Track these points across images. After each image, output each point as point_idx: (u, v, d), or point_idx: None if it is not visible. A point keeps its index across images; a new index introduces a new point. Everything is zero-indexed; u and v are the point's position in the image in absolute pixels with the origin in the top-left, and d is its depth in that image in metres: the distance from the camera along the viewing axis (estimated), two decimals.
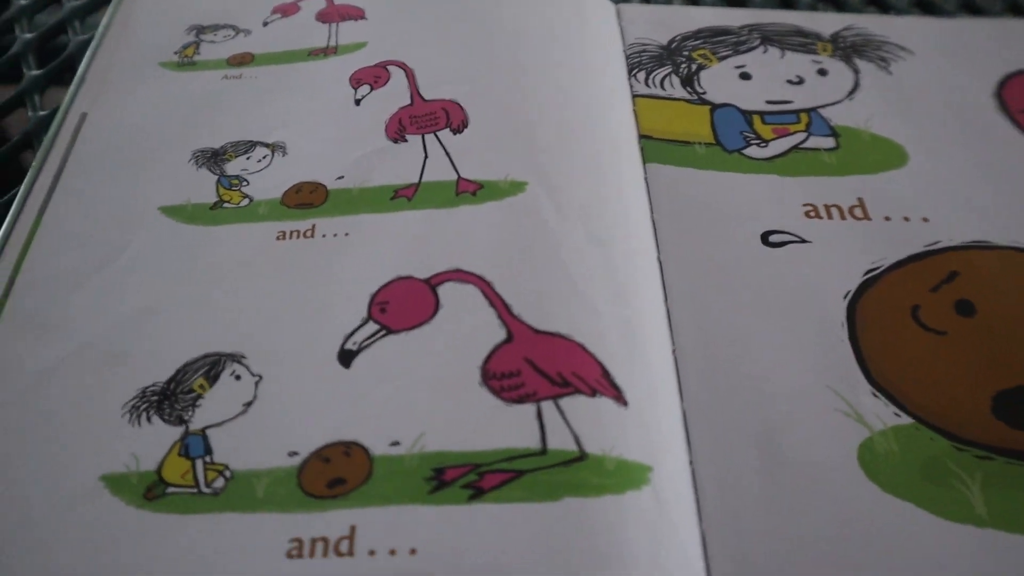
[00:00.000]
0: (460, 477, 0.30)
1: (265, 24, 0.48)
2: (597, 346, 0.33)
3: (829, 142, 0.43)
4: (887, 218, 0.40)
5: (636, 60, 0.46)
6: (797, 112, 0.44)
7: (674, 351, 0.35)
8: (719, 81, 0.46)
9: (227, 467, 0.30)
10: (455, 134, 0.40)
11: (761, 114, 0.44)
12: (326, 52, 0.45)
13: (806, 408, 0.33)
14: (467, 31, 0.45)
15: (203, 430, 0.32)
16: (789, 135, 0.43)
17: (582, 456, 0.30)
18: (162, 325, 0.35)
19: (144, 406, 0.32)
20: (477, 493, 0.29)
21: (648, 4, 0.51)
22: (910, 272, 0.38)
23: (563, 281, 0.34)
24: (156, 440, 0.31)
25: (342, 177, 0.39)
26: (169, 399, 0.32)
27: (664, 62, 0.46)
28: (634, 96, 0.44)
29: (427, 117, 0.40)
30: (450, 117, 0.40)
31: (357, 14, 0.47)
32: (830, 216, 0.40)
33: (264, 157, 0.40)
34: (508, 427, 0.31)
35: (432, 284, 0.34)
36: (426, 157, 0.39)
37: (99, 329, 0.35)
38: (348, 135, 0.41)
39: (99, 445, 0.31)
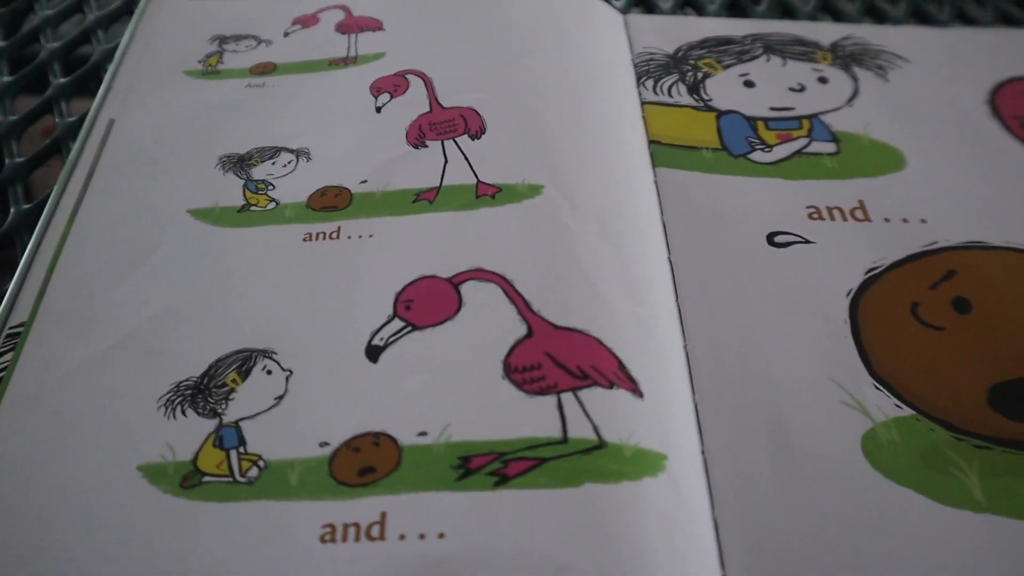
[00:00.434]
0: (486, 465, 0.31)
1: (286, 35, 0.49)
2: (614, 341, 0.34)
3: (830, 147, 0.45)
4: (887, 219, 0.41)
5: (644, 68, 0.48)
6: (799, 118, 0.46)
7: (685, 346, 0.36)
8: (724, 89, 0.47)
9: (261, 457, 0.32)
10: (473, 140, 0.41)
11: (765, 120, 0.46)
12: (346, 62, 0.47)
13: (812, 400, 0.35)
14: (482, 41, 0.47)
15: (236, 422, 0.33)
16: (792, 140, 0.45)
17: (601, 444, 0.31)
18: (193, 322, 0.36)
19: (178, 400, 0.34)
20: (502, 480, 0.31)
21: (654, 15, 0.52)
22: (909, 271, 0.40)
23: (580, 279, 0.36)
24: (190, 432, 0.33)
25: (365, 181, 0.40)
26: (203, 393, 0.34)
27: (671, 70, 0.48)
28: (643, 103, 0.46)
29: (446, 124, 0.42)
30: (468, 123, 0.42)
31: (375, 25, 0.49)
32: (832, 218, 0.41)
33: (289, 162, 0.41)
34: (530, 417, 0.32)
35: (455, 283, 0.36)
36: (446, 162, 0.40)
37: (133, 325, 0.36)
38: (370, 141, 0.42)
39: (135, 437, 0.33)
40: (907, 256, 0.40)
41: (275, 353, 0.34)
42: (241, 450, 0.32)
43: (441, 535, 0.30)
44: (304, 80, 0.46)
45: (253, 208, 0.40)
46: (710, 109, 0.46)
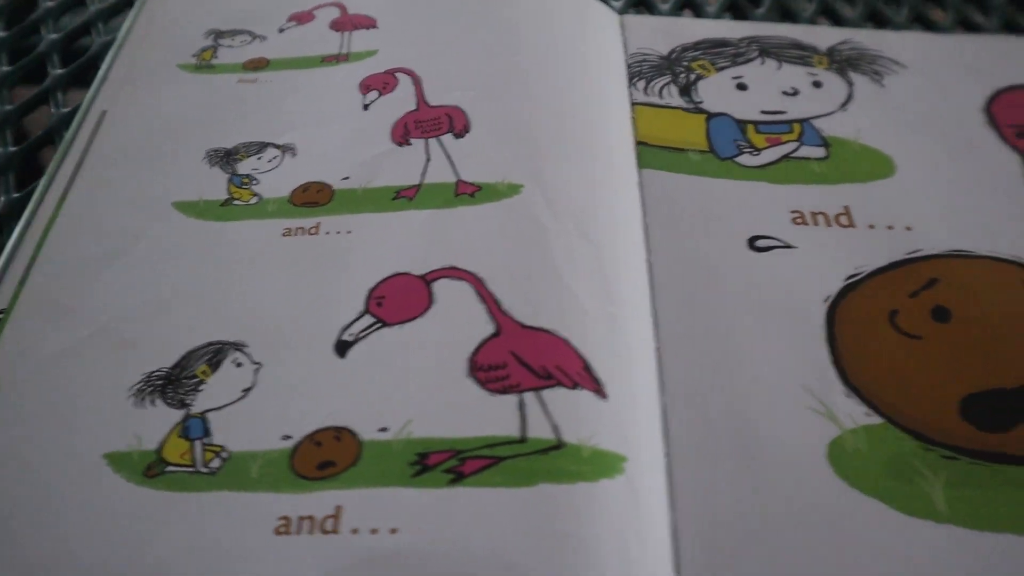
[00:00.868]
0: (443, 462, 0.31)
1: (281, 31, 0.49)
2: (581, 341, 0.34)
3: (820, 152, 0.44)
4: (871, 226, 0.41)
5: (637, 69, 0.48)
6: (790, 122, 0.46)
7: (658, 348, 0.36)
8: (716, 91, 0.47)
9: (224, 448, 0.32)
10: (457, 138, 0.42)
11: (755, 123, 0.45)
12: (338, 59, 0.47)
13: (780, 405, 0.35)
14: (475, 40, 0.47)
15: (203, 413, 0.33)
16: (781, 144, 0.45)
17: (560, 445, 0.31)
18: (171, 314, 0.37)
19: (149, 390, 0.34)
20: (458, 477, 0.31)
21: (651, 15, 0.52)
22: (891, 278, 0.39)
23: (552, 278, 0.36)
24: (158, 422, 0.33)
25: (347, 178, 0.40)
26: (173, 384, 0.34)
27: (664, 71, 0.48)
28: (633, 104, 0.46)
29: (431, 122, 0.42)
30: (453, 122, 0.42)
31: (369, 23, 0.49)
32: (816, 223, 0.41)
33: (275, 158, 0.42)
34: (491, 416, 0.32)
35: (427, 280, 0.36)
36: (428, 160, 0.41)
37: (112, 316, 0.37)
38: (356, 138, 0.42)
39: (104, 425, 0.33)
40: (889, 263, 0.40)
41: (246, 346, 0.35)
42: (205, 441, 0.33)
43: (393, 531, 0.30)
44: (295, 76, 0.47)
45: (236, 202, 0.40)
46: (700, 111, 0.46)
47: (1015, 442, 0.35)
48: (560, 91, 0.45)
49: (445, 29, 0.48)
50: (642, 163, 0.43)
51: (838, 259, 0.40)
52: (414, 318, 0.35)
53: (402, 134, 0.42)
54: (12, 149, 0.46)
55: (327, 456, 0.32)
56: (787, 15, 0.54)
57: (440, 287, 0.36)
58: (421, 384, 0.33)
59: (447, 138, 0.42)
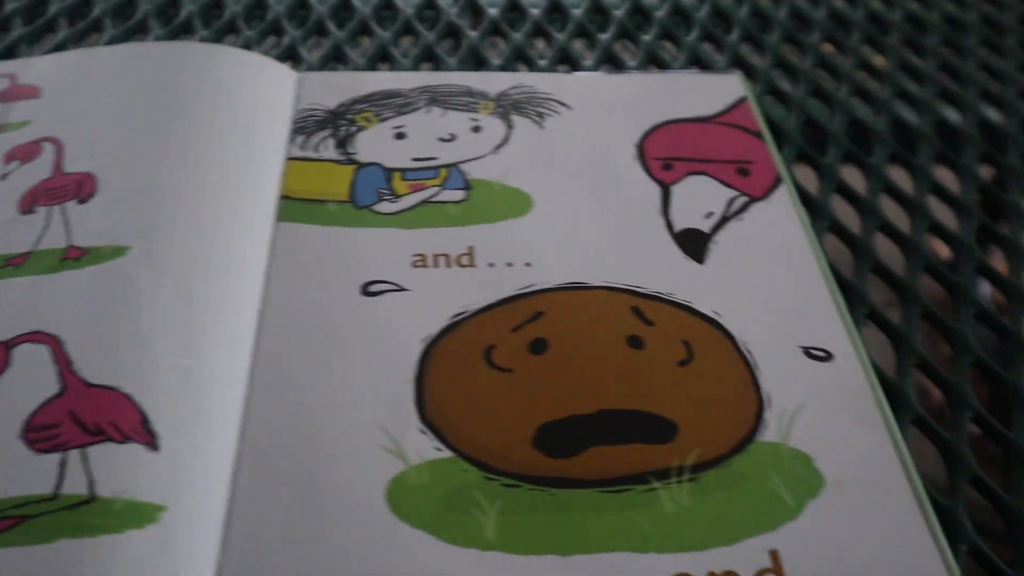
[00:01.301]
0: None
1: None
2: (144, 395, 0.35)
3: (459, 195, 0.45)
4: (491, 264, 0.42)
5: (301, 125, 0.49)
6: (438, 168, 0.47)
7: (247, 397, 0.37)
8: (373, 142, 0.48)
9: None
10: (80, 204, 0.42)
11: (403, 171, 0.47)
12: None
13: (352, 447, 0.35)
14: (127, 106, 0.48)
15: None
16: (424, 189, 0.46)
17: (91, 499, 0.32)
18: None
19: None
20: None
21: (332, 72, 0.53)
22: (498, 314, 0.40)
23: (132, 336, 0.37)
24: None
25: None
26: None
27: (326, 126, 0.49)
28: (288, 159, 0.47)
29: (60, 189, 0.43)
30: (81, 188, 0.43)
31: (32, 93, 0.50)
32: (437, 265, 0.42)
33: None
34: (29, 476, 0.33)
35: (9, 345, 0.36)
36: (46, 227, 0.41)
37: None
38: None
39: None
40: (500, 300, 0.41)
41: None
42: None
43: None
44: None
45: None
46: (352, 162, 0.47)
47: (579, 466, 0.36)
48: (204, 151, 0.45)
49: (105, 96, 0.49)
50: (281, 216, 0.44)
51: (448, 299, 0.41)
52: None
53: (29, 202, 0.43)
54: None
55: None
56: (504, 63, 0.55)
57: (20, 351, 0.36)
58: None
59: (71, 204, 0.42)
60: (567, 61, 0.57)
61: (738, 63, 0.59)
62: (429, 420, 0.36)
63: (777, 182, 0.48)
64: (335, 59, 0.57)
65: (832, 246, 0.47)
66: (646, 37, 0.59)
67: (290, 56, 0.56)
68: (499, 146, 0.48)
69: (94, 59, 0.52)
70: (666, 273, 0.43)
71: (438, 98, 0.51)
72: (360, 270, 0.42)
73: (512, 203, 0.45)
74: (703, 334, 0.40)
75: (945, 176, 0.53)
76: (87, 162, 0.45)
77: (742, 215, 0.46)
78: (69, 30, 0.57)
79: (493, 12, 0.60)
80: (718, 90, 0.54)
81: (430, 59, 0.57)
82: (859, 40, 0.62)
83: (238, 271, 0.40)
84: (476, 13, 0.60)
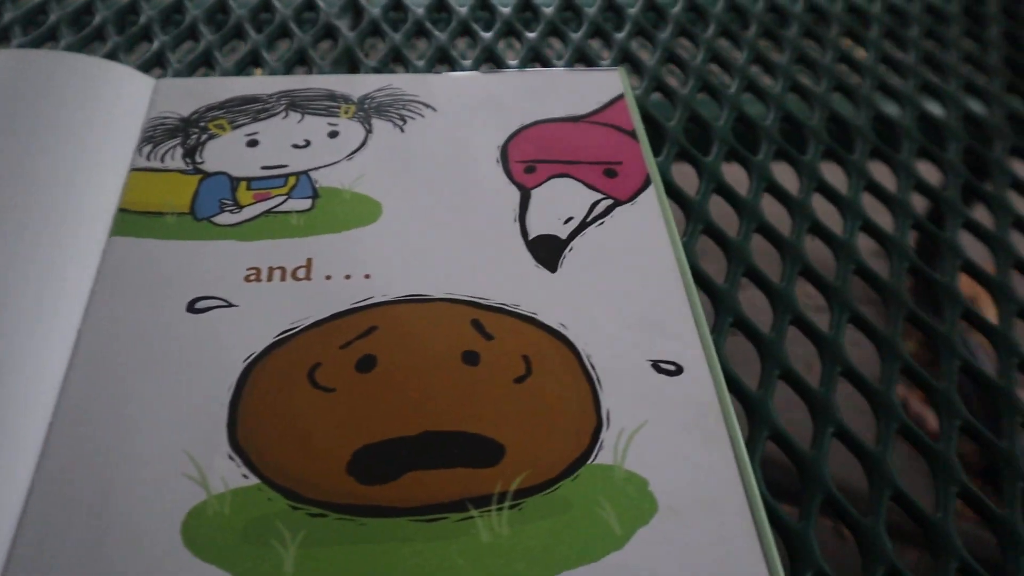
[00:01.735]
0: None
1: None
2: None
3: (305, 204, 0.43)
4: (328, 277, 0.40)
5: (150, 134, 0.47)
6: (287, 176, 0.45)
7: (51, 423, 0.34)
8: (224, 150, 0.46)
9: None
10: None
11: (249, 180, 0.44)
12: None
13: (154, 474, 0.33)
14: None
15: None
16: (269, 199, 0.43)
17: None
18: None
19: None
20: None
21: (188, 79, 0.51)
22: (328, 330, 0.38)
23: None
24: None
25: None
26: None
27: (176, 134, 0.47)
28: (132, 170, 0.45)
29: None
30: None
31: None
32: (271, 279, 0.40)
33: None
34: None
35: None
36: None
37: None
38: None
39: None
40: (332, 315, 0.39)
41: None
42: None
43: None
44: None
45: None
46: (198, 172, 0.45)
47: (394, 492, 0.33)
48: (28, 166, 0.43)
49: None
50: (116, 231, 0.42)
51: (278, 315, 0.39)
52: None
53: None
54: None
55: None
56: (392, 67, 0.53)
57: None
58: None
59: None
60: (446, 61, 0.55)
61: (627, 60, 0.56)
62: (240, 445, 0.34)
63: (646, 184, 0.45)
64: (206, 64, 0.54)
65: (759, 246, 0.45)
66: (531, 35, 0.57)
67: (158, 63, 0.53)
68: (355, 152, 0.46)
69: None
70: (514, 283, 0.40)
71: (297, 103, 0.49)
72: (189, 285, 0.39)
73: (360, 211, 0.43)
74: (545, 348, 0.38)
75: (880, 171, 0.51)
76: None
77: (604, 220, 0.43)
78: None
79: (375, 12, 0.58)
80: (595, 88, 0.51)
81: (303, 63, 0.54)
82: (756, 34, 0.60)
83: (58, 289, 0.38)
84: (358, 13, 0.58)
